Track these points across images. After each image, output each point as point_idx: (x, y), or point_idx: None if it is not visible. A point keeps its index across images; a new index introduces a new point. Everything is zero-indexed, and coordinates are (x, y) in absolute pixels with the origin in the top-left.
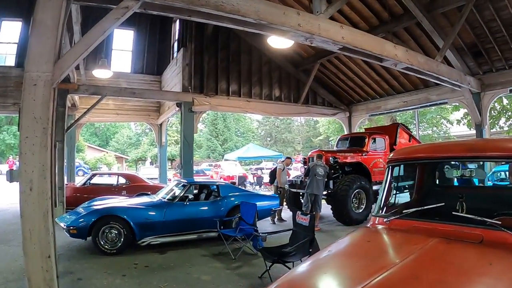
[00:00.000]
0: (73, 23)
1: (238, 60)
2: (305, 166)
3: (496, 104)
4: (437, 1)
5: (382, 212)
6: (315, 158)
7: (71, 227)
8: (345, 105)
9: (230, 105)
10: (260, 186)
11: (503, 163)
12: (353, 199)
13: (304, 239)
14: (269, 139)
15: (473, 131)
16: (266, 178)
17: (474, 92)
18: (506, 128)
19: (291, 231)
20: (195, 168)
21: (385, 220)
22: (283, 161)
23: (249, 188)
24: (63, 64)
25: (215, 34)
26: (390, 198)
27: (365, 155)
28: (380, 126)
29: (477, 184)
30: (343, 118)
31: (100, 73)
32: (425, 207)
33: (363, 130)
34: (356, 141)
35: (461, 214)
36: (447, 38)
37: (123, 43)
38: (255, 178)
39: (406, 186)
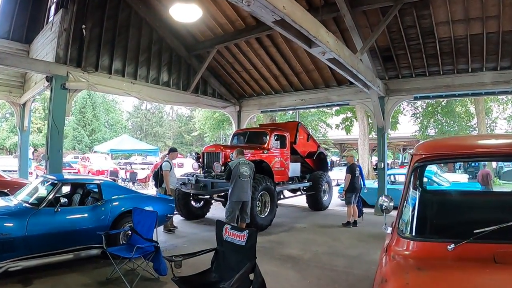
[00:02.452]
0: None
1: (126, 34)
2: (198, 163)
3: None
4: None
5: (411, 232)
6: (234, 155)
7: None
8: (235, 98)
9: (112, 85)
10: (133, 183)
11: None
12: (257, 202)
13: (242, 265)
14: (139, 132)
15: (351, 136)
16: (140, 174)
17: (379, 96)
18: None
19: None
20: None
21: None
22: (166, 156)
23: (121, 185)
24: None
25: None
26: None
27: (266, 153)
28: (279, 123)
29: None
30: (232, 113)
31: None
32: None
33: (256, 126)
34: (255, 137)
35: None
36: (369, 37)
37: None
38: (127, 173)
39: None
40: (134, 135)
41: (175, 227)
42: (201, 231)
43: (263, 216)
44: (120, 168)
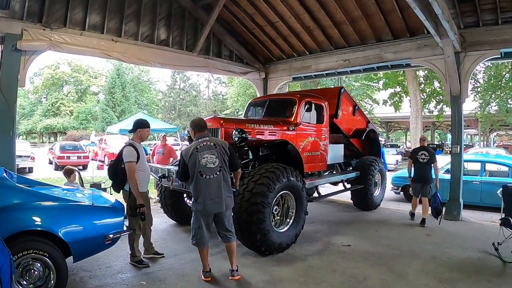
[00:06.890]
0: None
1: None
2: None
3: (425, 86)
4: None
5: None
6: (191, 132)
7: None
8: (260, 63)
9: (84, 44)
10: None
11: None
12: (274, 208)
13: None
14: (173, 112)
15: (399, 114)
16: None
17: (454, 51)
18: (436, 113)
19: None
20: (82, 142)
21: None
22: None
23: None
24: None
25: None
26: None
27: (293, 130)
28: (315, 89)
29: None
30: (256, 80)
31: None
32: None
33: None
34: (277, 108)
35: None
36: None
37: None
38: None
39: None
40: (168, 115)
41: (160, 254)
42: (189, 250)
43: (283, 230)
44: (150, 150)
